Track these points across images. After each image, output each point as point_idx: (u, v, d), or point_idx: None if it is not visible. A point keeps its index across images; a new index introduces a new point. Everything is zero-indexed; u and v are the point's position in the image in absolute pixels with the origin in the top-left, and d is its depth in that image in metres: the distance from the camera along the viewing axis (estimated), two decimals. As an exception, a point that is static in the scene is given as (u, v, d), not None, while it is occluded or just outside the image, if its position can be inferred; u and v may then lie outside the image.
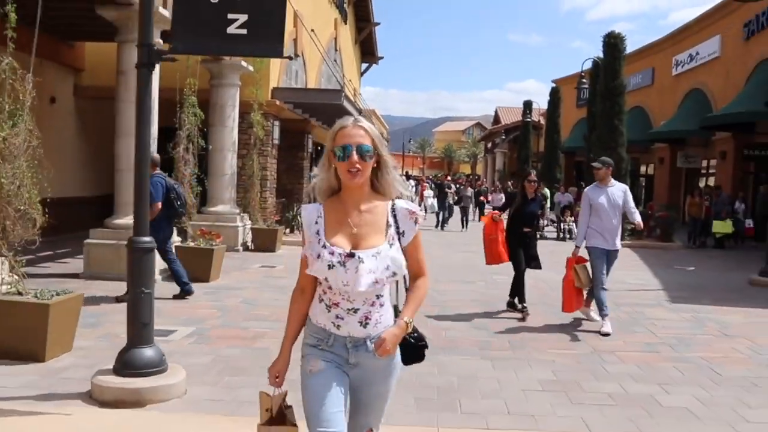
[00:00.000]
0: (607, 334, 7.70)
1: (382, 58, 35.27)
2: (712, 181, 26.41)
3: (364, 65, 34.70)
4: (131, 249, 5.10)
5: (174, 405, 4.96)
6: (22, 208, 6.17)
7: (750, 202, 22.22)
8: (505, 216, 9.23)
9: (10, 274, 6.32)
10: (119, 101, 10.13)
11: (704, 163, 28.34)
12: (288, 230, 17.26)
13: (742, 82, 23.12)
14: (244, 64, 14.40)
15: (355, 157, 2.60)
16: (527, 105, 40.16)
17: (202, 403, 5.02)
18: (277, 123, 17.20)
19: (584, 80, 26.83)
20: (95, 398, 4.94)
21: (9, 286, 6.24)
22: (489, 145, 66.13)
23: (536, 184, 9.02)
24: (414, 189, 30.03)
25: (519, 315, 8.66)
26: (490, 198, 32.28)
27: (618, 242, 8.21)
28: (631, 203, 8.26)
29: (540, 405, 5.25)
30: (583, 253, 8.30)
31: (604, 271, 8.10)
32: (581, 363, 6.54)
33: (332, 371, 2.65)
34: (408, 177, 48.79)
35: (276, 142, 17.26)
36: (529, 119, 38.93)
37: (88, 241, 10.16)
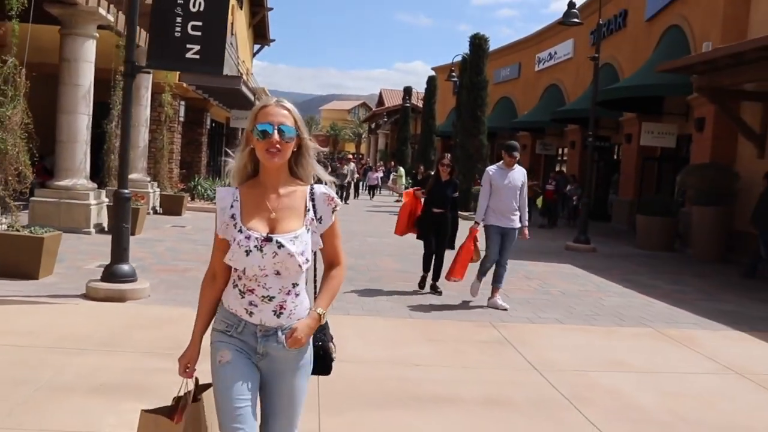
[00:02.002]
0: (505, 308, 8.33)
1: (273, 40, 37.38)
2: (566, 168, 30.31)
3: (257, 46, 36.76)
4: (117, 197, 7.57)
5: (144, 301, 7.48)
6: (20, 168, 8.46)
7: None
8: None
9: (6, 216, 8.59)
10: (62, 84, 12.17)
11: (560, 151, 32.30)
12: (190, 197, 19.48)
13: (589, 81, 26.91)
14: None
15: (276, 136, 2.53)
16: (407, 91, 43.47)
17: (161, 301, 7.55)
18: (182, 103, 19.39)
19: (453, 73, 30.16)
20: (90, 297, 7.38)
21: (4, 225, 8.51)
22: (373, 125, 69.20)
23: (450, 167, 9.17)
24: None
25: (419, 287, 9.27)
26: (374, 176, 35.50)
27: (515, 222, 8.48)
28: (525, 191, 8.58)
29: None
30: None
31: (497, 251, 8.46)
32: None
33: (241, 362, 2.58)
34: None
35: (181, 119, 19.45)
36: (408, 104, 42.15)
37: (34, 198, 12.20)
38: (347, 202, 27.56)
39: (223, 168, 30.01)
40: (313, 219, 2.63)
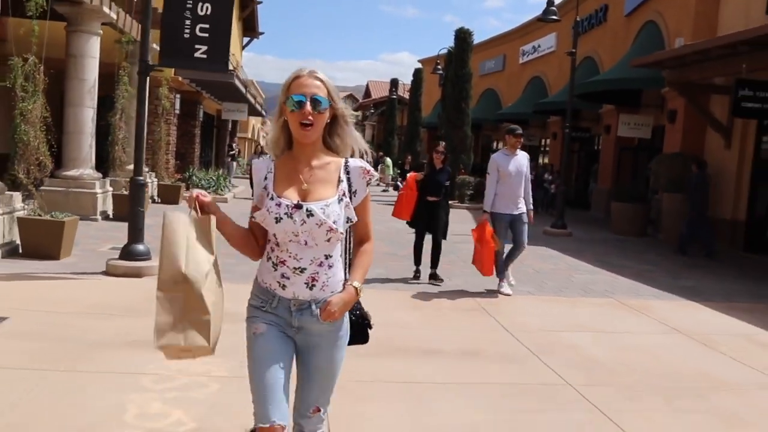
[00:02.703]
0: (508, 294, 8.38)
1: (262, 33, 38.05)
2: (548, 158, 31.25)
3: (246, 39, 37.42)
4: (133, 183, 8.37)
5: (155, 277, 8.28)
6: (40, 158, 9.24)
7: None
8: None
9: (27, 202, 9.37)
10: (69, 78, 12.91)
11: (543, 142, 33.22)
12: (186, 187, 20.25)
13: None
14: (154, 45, 17.22)
15: (309, 108, 2.50)
16: (394, 83, 44.28)
17: (175, 278, 8.36)
18: (178, 96, 20.13)
19: (439, 66, 31.00)
20: (110, 273, 8.19)
21: (25, 211, 9.29)
22: (359, 117, 69.90)
23: (443, 155, 9.10)
24: None
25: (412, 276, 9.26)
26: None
27: (523, 206, 8.44)
28: (529, 173, 8.58)
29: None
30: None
31: (504, 236, 8.41)
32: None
33: (275, 333, 2.60)
34: None
35: (177, 112, 20.20)
36: (394, 96, 42.96)
37: (43, 188, 12.94)
38: None
39: (214, 159, 30.82)
40: (345, 191, 2.61)
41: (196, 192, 2.66)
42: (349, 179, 2.64)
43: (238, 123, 37.85)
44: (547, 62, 31.18)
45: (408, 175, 9.34)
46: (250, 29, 36.76)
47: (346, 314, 2.68)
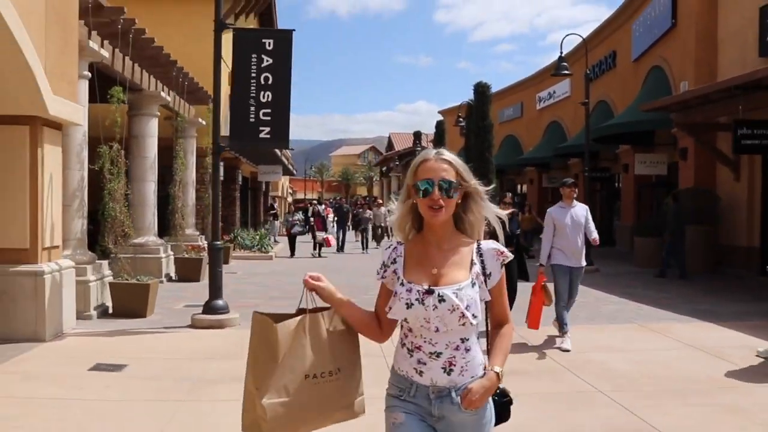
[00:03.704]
0: (567, 350, 8.04)
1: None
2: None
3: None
4: (211, 248, 9.71)
5: (237, 328, 9.52)
6: (125, 229, 10.63)
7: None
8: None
9: (112, 267, 10.73)
10: (133, 156, 14.37)
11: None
12: (232, 248, 21.64)
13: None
14: (200, 120, 18.80)
15: (437, 193, 2.45)
16: (417, 135, 45.94)
17: (248, 328, 9.58)
18: (221, 163, 21.64)
19: (461, 118, 32.49)
20: (196, 326, 9.46)
21: (113, 277, 10.64)
22: (384, 168, 71.63)
23: (511, 205, 9.06)
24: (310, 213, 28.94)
25: None
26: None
27: (582, 260, 8.41)
28: (591, 222, 8.53)
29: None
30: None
31: (566, 290, 8.36)
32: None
33: (415, 423, 2.50)
34: (310, 203, 49.14)
35: (221, 179, 21.71)
36: (419, 148, 44.45)
37: (112, 255, 14.33)
38: (367, 249, 26.51)
39: (252, 219, 32.31)
40: (479, 273, 2.53)
41: (307, 276, 2.63)
42: (482, 261, 2.56)
43: (270, 183, 39.48)
44: (563, 107, 32.52)
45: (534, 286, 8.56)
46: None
47: (489, 399, 2.55)
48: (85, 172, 10.44)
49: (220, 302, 9.66)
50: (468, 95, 29.43)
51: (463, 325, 2.46)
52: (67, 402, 5.90)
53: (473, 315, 2.45)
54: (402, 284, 2.52)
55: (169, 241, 16.20)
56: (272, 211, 32.75)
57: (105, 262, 10.91)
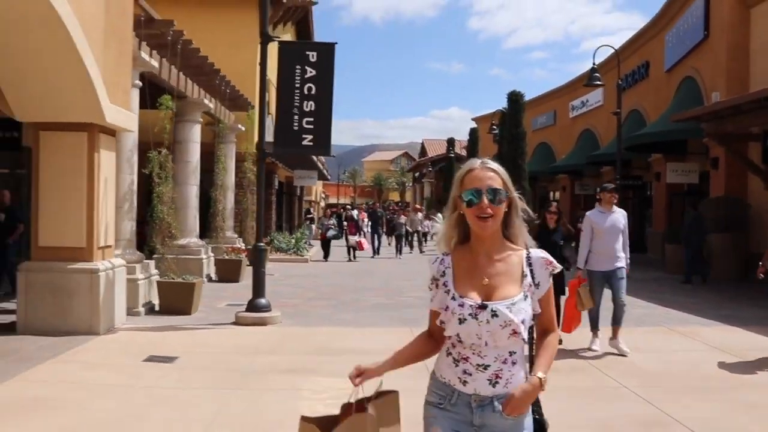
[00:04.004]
0: (596, 351, 8.23)
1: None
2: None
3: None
4: (255, 249, 10.21)
5: (279, 325, 10.00)
6: (172, 231, 11.17)
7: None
8: None
9: (158, 266, 11.28)
10: (177, 161, 14.88)
11: (597, 190, 34.50)
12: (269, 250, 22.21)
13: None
14: (240, 126, 19.40)
15: (486, 201, 2.43)
16: (450, 142, 46.36)
17: (290, 324, 10.08)
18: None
19: (494, 126, 32.85)
20: (239, 323, 9.94)
21: (160, 276, 11.18)
22: (417, 174, 72.05)
23: (557, 214, 9.01)
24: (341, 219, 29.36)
25: None
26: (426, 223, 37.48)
27: (621, 261, 8.30)
28: (627, 237, 8.45)
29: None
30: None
31: (601, 295, 8.39)
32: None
33: None
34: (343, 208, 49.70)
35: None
36: (452, 155, 44.91)
37: (155, 256, 14.93)
38: (400, 255, 26.47)
39: (287, 223, 32.93)
40: (531, 284, 2.52)
41: (354, 372, 2.63)
42: (532, 271, 2.53)
43: (305, 187, 40.12)
44: (595, 116, 32.67)
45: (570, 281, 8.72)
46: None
47: (530, 412, 2.56)
48: (135, 176, 11.01)
49: (263, 301, 10.15)
50: (501, 102, 29.88)
51: (514, 339, 2.44)
52: (128, 388, 6.40)
53: (525, 328, 2.45)
54: (453, 298, 2.49)
55: (209, 243, 16.78)
56: (309, 216, 33.38)
57: (152, 262, 11.47)
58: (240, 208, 20.38)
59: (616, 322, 8.30)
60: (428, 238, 32.85)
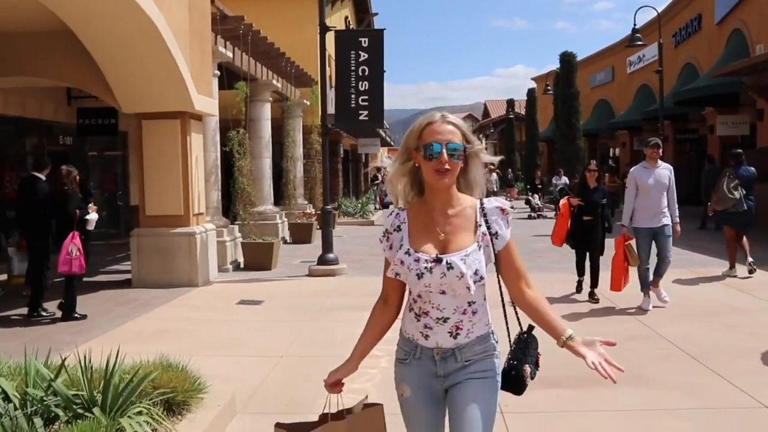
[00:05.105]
0: (646, 310, 8.13)
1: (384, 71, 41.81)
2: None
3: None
4: (323, 211, 11.87)
5: (345, 276, 11.65)
6: (251, 199, 12.93)
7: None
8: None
9: (240, 230, 13.08)
10: (251, 138, 16.68)
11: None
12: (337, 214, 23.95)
13: (674, 79, 29.79)
14: (305, 101, 21.05)
15: (446, 156, 2.39)
16: (510, 103, 47.25)
17: (354, 275, 11.71)
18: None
19: (548, 86, 33.68)
20: (312, 275, 11.65)
21: (243, 238, 12.97)
22: (480, 136, 72.66)
23: (597, 173, 9.03)
24: None
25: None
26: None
27: (666, 219, 8.21)
28: (674, 189, 8.31)
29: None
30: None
31: (648, 252, 8.30)
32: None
33: (422, 395, 2.56)
34: None
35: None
36: (512, 116, 45.80)
37: (237, 222, 16.79)
38: None
39: (353, 188, 34.69)
40: (485, 234, 2.49)
41: (329, 380, 2.66)
42: (486, 222, 2.51)
43: (369, 154, 41.73)
44: (652, 71, 33.05)
45: (562, 201, 9.46)
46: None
47: (495, 360, 2.58)
48: (218, 153, 12.76)
49: (331, 255, 11.81)
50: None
51: (470, 290, 2.44)
52: (227, 322, 8.17)
53: (480, 278, 2.44)
54: (408, 253, 2.49)
55: (282, 209, 18.58)
56: (376, 182, 35.08)
57: (236, 226, 13.27)
58: (309, 177, 22.13)
59: (658, 274, 8.43)
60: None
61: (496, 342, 2.60)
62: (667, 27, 31.14)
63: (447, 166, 2.41)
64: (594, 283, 8.97)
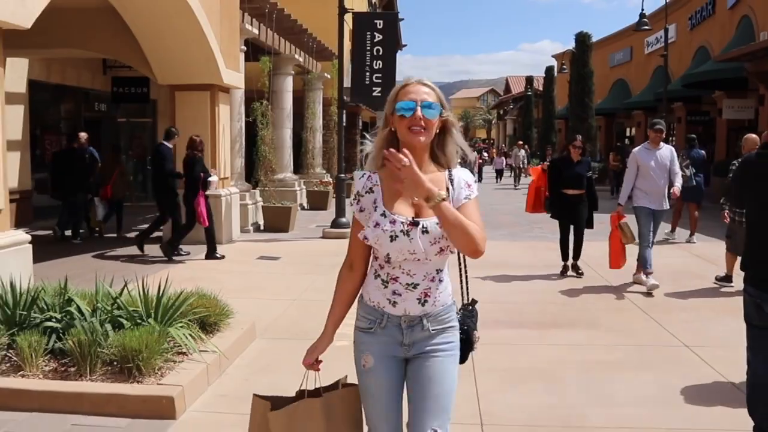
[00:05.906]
0: (651, 290, 8.13)
1: (405, 45, 42.55)
2: (674, 141, 33.82)
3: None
4: (337, 179, 12.93)
5: (356, 239, 12.72)
6: (272, 166, 14.01)
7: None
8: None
9: (261, 195, 14.17)
10: (273, 108, 17.69)
11: (671, 126, 35.69)
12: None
13: (689, 62, 30.37)
14: (326, 74, 22.01)
15: (420, 112, 2.39)
16: (529, 80, 47.92)
17: (366, 239, 12.77)
18: (344, 111, 24.91)
19: (564, 66, 34.37)
20: (326, 237, 12.75)
21: (263, 202, 14.08)
22: (501, 112, 73.42)
23: (581, 149, 9.07)
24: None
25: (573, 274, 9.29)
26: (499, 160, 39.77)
27: (665, 203, 8.39)
28: (677, 165, 8.40)
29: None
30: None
31: (650, 231, 8.32)
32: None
33: (384, 366, 2.54)
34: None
35: (344, 125, 25.02)
36: (530, 92, 46.48)
37: (259, 188, 17.89)
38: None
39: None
40: (452, 201, 2.44)
41: (307, 359, 2.69)
42: (453, 189, 2.50)
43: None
44: (669, 52, 33.62)
45: (533, 168, 9.85)
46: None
47: (457, 333, 2.63)
48: (242, 123, 13.83)
49: (344, 219, 12.89)
50: (595, 33, 31.23)
51: (441, 256, 2.47)
52: (248, 273, 9.32)
53: (449, 244, 2.44)
54: (384, 215, 2.46)
55: (301, 177, 19.67)
56: (396, 150, 36.14)
57: (257, 191, 14.38)
58: (327, 147, 23.18)
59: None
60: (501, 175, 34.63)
61: (458, 313, 2.67)
62: (683, 10, 31.65)
63: (422, 123, 2.42)
64: (576, 255, 9.33)
